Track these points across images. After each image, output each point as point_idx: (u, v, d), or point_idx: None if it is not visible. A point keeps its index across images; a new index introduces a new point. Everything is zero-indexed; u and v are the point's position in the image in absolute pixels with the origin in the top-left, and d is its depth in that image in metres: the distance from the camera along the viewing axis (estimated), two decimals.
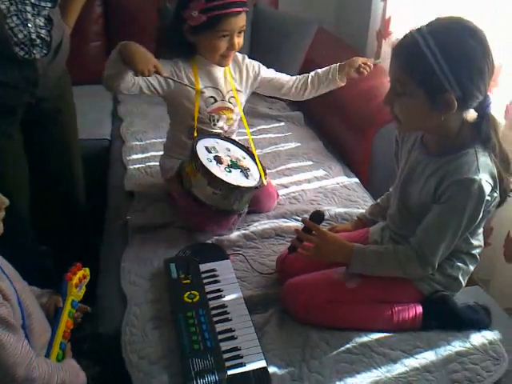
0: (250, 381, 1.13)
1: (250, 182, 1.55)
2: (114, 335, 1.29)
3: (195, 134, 1.62)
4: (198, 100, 1.63)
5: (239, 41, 1.59)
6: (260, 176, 1.60)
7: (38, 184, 1.79)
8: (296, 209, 1.75)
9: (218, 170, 1.49)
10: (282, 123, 2.40)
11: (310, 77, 1.76)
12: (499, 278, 1.81)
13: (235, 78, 1.72)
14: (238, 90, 1.71)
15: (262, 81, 1.76)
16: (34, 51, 1.49)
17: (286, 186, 1.90)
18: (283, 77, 1.78)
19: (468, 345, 1.27)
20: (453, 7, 1.94)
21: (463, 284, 1.34)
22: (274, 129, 2.35)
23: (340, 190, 1.89)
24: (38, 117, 1.65)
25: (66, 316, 1.17)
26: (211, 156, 1.54)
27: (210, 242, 1.58)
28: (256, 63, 1.76)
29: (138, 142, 2.17)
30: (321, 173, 1.99)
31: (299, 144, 2.20)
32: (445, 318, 1.31)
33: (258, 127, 2.34)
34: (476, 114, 1.20)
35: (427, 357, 1.24)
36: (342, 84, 1.74)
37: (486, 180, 1.15)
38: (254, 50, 2.61)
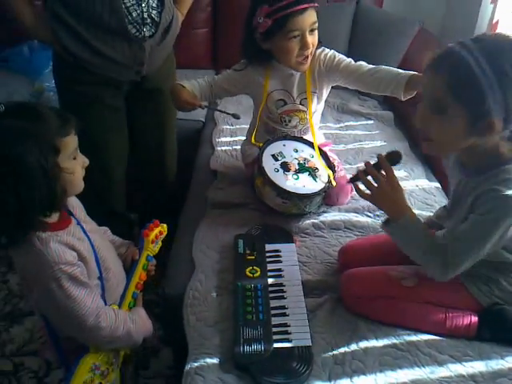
0: (294, 356, 1.19)
1: (318, 185, 1.61)
2: (178, 296, 1.41)
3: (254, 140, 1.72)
4: (264, 101, 1.69)
5: (313, 39, 1.57)
6: (328, 177, 1.64)
7: (134, 154, 1.97)
8: (369, 205, 1.74)
9: (285, 180, 1.57)
10: (371, 121, 2.39)
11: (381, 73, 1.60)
12: None
13: (312, 78, 1.68)
14: (312, 92, 1.70)
15: (340, 70, 1.65)
16: (144, 29, 1.62)
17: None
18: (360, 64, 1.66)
19: None
20: None
21: None
22: (362, 126, 2.36)
23: (418, 192, 1.87)
24: (141, 93, 1.80)
25: (140, 268, 1.29)
26: (278, 164, 1.61)
27: (279, 225, 1.65)
28: (329, 53, 1.67)
29: (228, 126, 2.29)
30: (402, 173, 1.97)
31: (385, 143, 2.20)
32: (501, 332, 1.28)
33: (346, 123, 2.36)
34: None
35: (476, 366, 1.22)
36: (403, 99, 1.58)
37: None
38: (353, 47, 2.64)
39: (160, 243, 1.35)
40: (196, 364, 1.21)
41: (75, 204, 1.22)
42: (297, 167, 1.64)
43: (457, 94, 1.07)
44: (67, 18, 1.56)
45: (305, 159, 1.67)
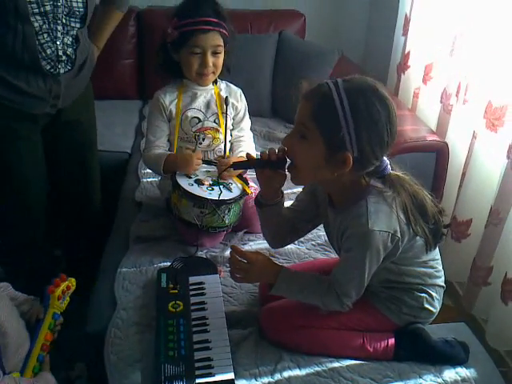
0: None
1: (234, 194, 1.63)
2: (100, 335, 1.37)
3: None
4: (178, 120, 1.74)
5: (215, 61, 1.68)
6: (242, 187, 1.67)
7: (55, 189, 1.92)
8: None
9: (200, 191, 1.59)
10: None
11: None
12: (495, 319, 1.80)
13: (225, 102, 1.76)
14: (223, 113, 1.77)
15: (236, 119, 1.84)
16: (59, 66, 1.61)
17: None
18: (244, 134, 1.86)
19: (440, 380, 1.28)
20: (466, 42, 1.98)
21: (434, 311, 1.35)
22: None
23: None
24: (58, 126, 1.77)
25: (46, 328, 1.20)
26: (192, 180, 1.65)
27: (204, 256, 1.65)
28: (244, 103, 1.84)
29: None
30: None
31: None
32: (418, 351, 1.32)
33: None
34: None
35: None
36: None
37: (378, 229, 1.16)
38: (277, 75, 2.72)
39: (68, 299, 1.28)
40: None
41: None
42: (210, 182, 1.67)
43: (317, 121, 1.15)
44: None
45: (217, 177, 1.69)
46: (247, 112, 1.88)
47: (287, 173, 1.29)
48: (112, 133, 2.48)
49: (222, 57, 1.70)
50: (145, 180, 2.08)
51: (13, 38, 1.50)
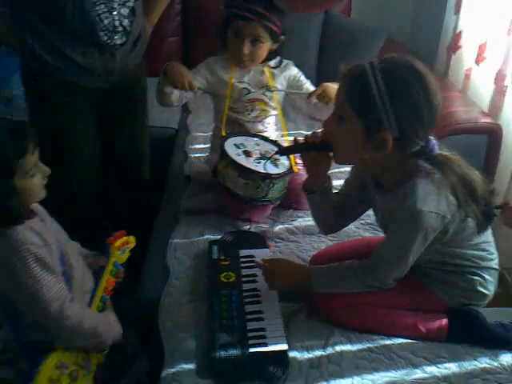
0: (269, 360, 1.19)
1: (280, 170, 1.62)
2: (153, 303, 1.39)
3: (224, 133, 1.73)
4: (229, 91, 1.74)
5: (253, 50, 1.67)
6: (290, 164, 1.66)
7: (106, 161, 1.95)
8: None
9: (246, 162, 1.58)
10: None
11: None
12: None
13: (274, 74, 1.78)
14: (275, 87, 1.78)
15: (294, 87, 1.82)
16: (116, 37, 1.62)
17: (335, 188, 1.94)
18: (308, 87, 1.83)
19: (496, 363, 1.26)
20: None
21: (488, 293, 1.33)
22: None
23: None
24: (111, 100, 1.79)
25: (108, 274, 1.29)
26: (240, 151, 1.64)
27: (253, 230, 1.66)
28: (297, 70, 1.84)
29: (201, 133, 2.29)
30: None
31: None
32: (472, 333, 1.31)
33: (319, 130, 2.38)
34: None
35: (450, 368, 1.24)
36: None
37: (428, 210, 1.15)
38: (322, 55, 2.70)
39: (128, 252, 1.35)
40: (172, 370, 1.19)
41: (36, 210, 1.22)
42: (258, 155, 1.66)
43: (353, 102, 1.13)
44: (37, 24, 1.55)
45: (266, 151, 1.69)
46: (304, 78, 1.86)
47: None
48: (158, 109, 2.48)
49: (263, 47, 1.68)
50: (192, 155, 2.10)
51: (72, 9, 1.52)
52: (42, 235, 1.12)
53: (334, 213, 1.43)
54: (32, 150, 1.09)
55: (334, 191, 1.45)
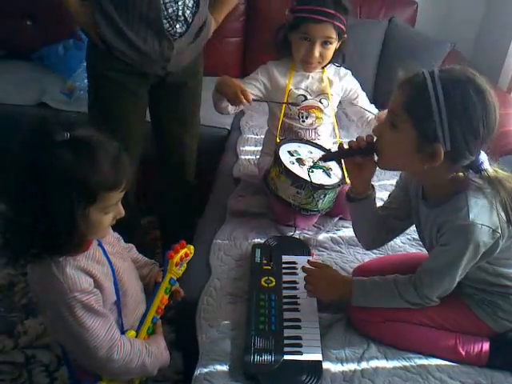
0: (303, 369, 1.19)
1: (333, 180, 1.62)
2: (192, 301, 1.42)
3: (278, 139, 1.75)
4: (286, 97, 1.75)
5: (323, 51, 1.67)
6: (343, 174, 1.65)
7: (155, 148, 1.98)
8: None
9: (300, 171, 1.58)
10: None
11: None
12: None
13: (332, 82, 1.79)
14: (332, 94, 1.79)
15: (349, 98, 1.85)
16: (177, 26, 1.67)
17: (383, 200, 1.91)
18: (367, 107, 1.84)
19: None
20: None
21: None
22: None
23: None
24: (165, 88, 1.83)
25: (163, 292, 1.23)
26: (293, 159, 1.64)
27: (297, 237, 1.66)
28: (355, 82, 1.85)
29: (253, 136, 2.31)
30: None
31: None
32: None
33: None
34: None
35: None
36: None
37: (481, 223, 1.12)
38: (382, 64, 2.65)
39: (185, 265, 1.28)
40: (205, 370, 1.21)
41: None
42: (311, 164, 1.66)
43: (409, 111, 1.12)
44: (107, 7, 1.62)
45: (318, 160, 1.68)
46: (361, 90, 1.87)
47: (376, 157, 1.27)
48: (212, 110, 2.52)
49: (332, 48, 1.69)
50: (243, 157, 2.12)
51: None
52: (93, 274, 1.06)
53: (376, 226, 1.41)
54: (122, 188, 1.03)
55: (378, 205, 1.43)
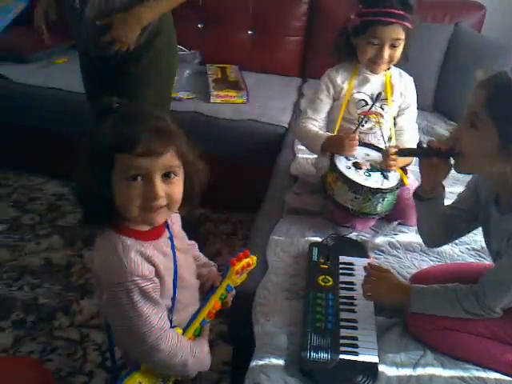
0: (359, 370, 1.19)
1: (391, 183, 1.60)
2: (248, 294, 1.43)
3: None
4: (346, 101, 1.76)
5: (391, 53, 1.66)
6: (401, 177, 1.63)
7: None
8: None
9: (356, 176, 1.58)
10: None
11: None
12: None
13: (394, 86, 1.77)
14: (393, 100, 1.77)
15: (401, 106, 1.82)
16: (88, 6, 1.73)
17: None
18: (408, 124, 1.82)
19: None
20: None
21: None
22: None
23: None
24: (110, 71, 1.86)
25: (217, 297, 1.21)
26: (350, 163, 1.64)
27: (355, 238, 1.66)
28: (413, 94, 1.82)
29: None
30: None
31: None
32: None
33: None
34: None
35: None
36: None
37: None
38: (445, 69, 2.60)
39: (245, 275, 1.25)
40: (261, 362, 1.23)
41: (175, 219, 1.18)
42: (368, 167, 1.65)
43: (492, 110, 1.10)
44: None
45: (376, 162, 1.68)
46: (415, 102, 1.84)
47: (452, 160, 1.25)
48: (271, 106, 2.55)
49: (400, 49, 1.68)
50: (300, 156, 2.12)
51: None
52: (155, 264, 1.06)
53: (441, 226, 1.39)
54: (140, 153, 0.97)
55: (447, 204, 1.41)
